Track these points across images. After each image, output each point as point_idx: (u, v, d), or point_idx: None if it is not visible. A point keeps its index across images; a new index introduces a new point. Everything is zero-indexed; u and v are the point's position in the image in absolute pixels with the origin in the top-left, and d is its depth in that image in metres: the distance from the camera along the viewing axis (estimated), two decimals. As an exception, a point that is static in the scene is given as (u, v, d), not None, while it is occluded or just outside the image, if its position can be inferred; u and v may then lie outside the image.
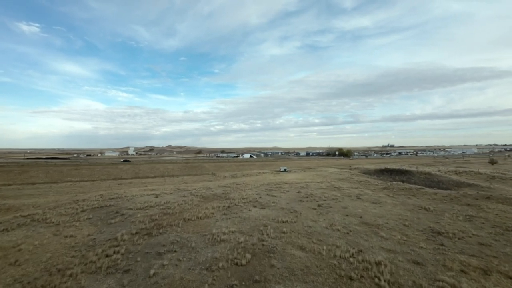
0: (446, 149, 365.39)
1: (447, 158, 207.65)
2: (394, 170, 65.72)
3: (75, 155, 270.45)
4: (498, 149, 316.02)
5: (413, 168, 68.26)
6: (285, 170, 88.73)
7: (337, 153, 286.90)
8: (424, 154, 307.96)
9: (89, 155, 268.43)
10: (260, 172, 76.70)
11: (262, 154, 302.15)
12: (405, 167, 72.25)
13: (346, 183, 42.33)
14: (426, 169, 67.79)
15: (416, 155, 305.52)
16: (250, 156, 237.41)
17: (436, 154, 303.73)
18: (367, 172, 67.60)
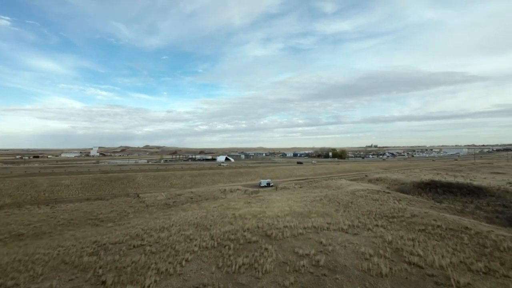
0: (434, 149, 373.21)
1: (456, 160, 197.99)
2: (452, 185, 44.29)
3: (17, 156, 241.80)
4: (487, 150, 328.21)
5: (483, 183, 47.86)
6: (268, 184, 63.46)
7: (330, 154, 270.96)
8: (422, 155, 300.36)
9: (37, 157, 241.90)
10: (225, 190, 51.28)
11: (242, 156, 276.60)
12: (466, 181, 51.77)
13: (420, 235, 19.17)
14: (502, 185, 47.39)
15: (413, 156, 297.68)
16: (226, 159, 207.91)
17: (428, 155, 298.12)
18: (406, 189, 45.75)
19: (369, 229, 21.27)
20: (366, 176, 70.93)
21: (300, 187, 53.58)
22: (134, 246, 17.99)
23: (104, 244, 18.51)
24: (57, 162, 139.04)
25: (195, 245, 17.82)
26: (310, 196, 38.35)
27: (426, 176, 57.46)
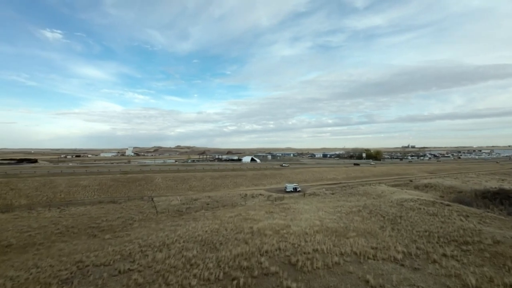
0: (483, 150, 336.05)
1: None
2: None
3: (62, 155, 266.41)
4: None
5: None
6: (294, 189, 58.59)
7: (364, 155, 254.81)
8: (470, 157, 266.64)
9: (78, 156, 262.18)
10: (245, 196, 47.25)
11: (269, 156, 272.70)
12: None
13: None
14: None
15: (459, 157, 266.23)
16: (252, 160, 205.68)
17: (478, 157, 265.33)
18: (466, 200, 37.83)
19: (434, 261, 15.57)
20: (411, 181, 62.23)
21: (332, 194, 47.69)
22: (119, 272, 14.47)
23: (87, 266, 15.28)
24: (94, 161, 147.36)
25: (194, 275, 13.79)
26: (345, 206, 32.70)
27: (490, 183, 48.10)
